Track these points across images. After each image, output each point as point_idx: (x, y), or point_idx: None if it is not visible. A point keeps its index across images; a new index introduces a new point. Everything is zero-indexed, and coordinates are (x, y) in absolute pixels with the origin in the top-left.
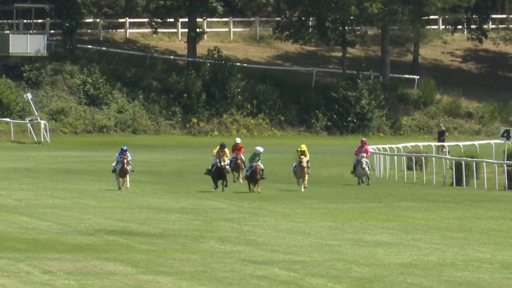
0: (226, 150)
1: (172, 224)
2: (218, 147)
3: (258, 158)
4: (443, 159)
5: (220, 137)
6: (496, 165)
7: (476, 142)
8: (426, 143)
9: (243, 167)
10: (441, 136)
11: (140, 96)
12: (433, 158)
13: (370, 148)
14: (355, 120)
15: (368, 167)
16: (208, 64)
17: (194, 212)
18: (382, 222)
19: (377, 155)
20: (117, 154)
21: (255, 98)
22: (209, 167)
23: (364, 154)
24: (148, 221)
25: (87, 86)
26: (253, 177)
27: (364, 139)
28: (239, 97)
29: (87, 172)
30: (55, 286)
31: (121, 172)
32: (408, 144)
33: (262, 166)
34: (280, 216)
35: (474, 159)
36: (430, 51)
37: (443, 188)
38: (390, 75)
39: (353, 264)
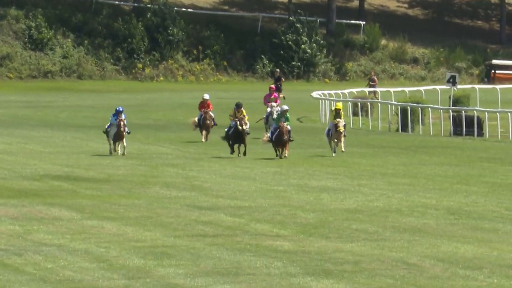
0: (243, 109)
1: (117, 169)
2: (233, 109)
3: (284, 119)
4: (389, 105)
5: (166, 82)
6: (441, 111)
7: (421, 88)
8: (371, 89)
9: (213, 124)
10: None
11: (85, 41)
12: (379, 104)
13: (316, 93)
14: (299, 65)
15: None
16: (152, 9)
17: (139, 158)
18: (328, 167)
19: (323, 101)
20: (111, 116)
21: (200, 44)
22: (226, 129)
23: (274, 104)
24: (93, 167)
25: (32, 31)
26: (279, 139)
27: (272, 85)
28: (185, 40)
29: (33, 118)
30: (0, 231)
31: (117, 136)
32: (354, 90)
33: (289, 128)
34: (225, 161)
35: (420, 105)
36: None
37: (388, 134)
38: (336, 20)
39: (298, 210)
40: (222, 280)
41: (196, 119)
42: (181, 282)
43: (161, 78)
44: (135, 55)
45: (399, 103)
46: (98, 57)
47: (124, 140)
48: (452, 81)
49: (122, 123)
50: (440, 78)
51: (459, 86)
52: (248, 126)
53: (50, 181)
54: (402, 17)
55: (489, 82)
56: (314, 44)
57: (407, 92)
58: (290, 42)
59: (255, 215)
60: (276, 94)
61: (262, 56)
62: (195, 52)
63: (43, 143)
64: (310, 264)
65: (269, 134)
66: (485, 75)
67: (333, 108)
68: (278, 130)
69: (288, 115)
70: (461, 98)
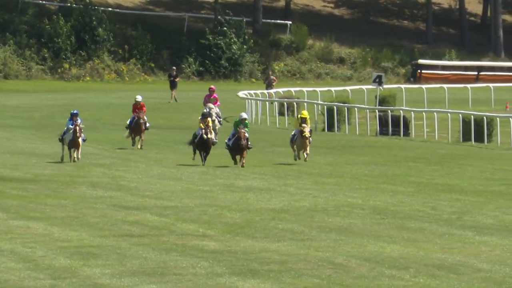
0: (209, 119)
1: (44, 169)
2: (199, 119)
3: (243, 126)
4: (315, 105)
5: (92, 82)
6: (368, 110)
7: (348, 88)
8: (298, 89)
9: (145, 128)
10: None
11: (11, 41)
12: (305, 104)
13: (242, 93)
14: (227, 65)
15: (219, 120)
16: (78, 9)
17: (65, 157)
18: (254, 167)
19: (249, 101)
20: (67, 121)
21: (127, 43)
22: (193, 135)
23: (212, 105)
24: (19, 167)
25: None
26: (237, 145)
27: (212, 86)
28: (111, 40)
29: None
30: None
31: (72, 143)
32: (280, 90)
33: (247, 135)
34: (152, 161)
35: (346, 104)
36: None
37: (315, 133)
38: (262, 20)
39: (224, 210)
40: (148, 280)
41: (128, 122)
42: (107, 282)
43: (87, 78)
44: (61, 55)
45: (326, 103)
46: (24, 57)
47: (79, 148)
48: (378, 81)
49: (77, 128)
50: (367, 78)
51: (385, 86)
52: (214, 135)
53: None
54: (328, 17)
55: (415, 82)
56: (241, 44)
57: (334, 92)
58: (216, 42)
59: (181, 215)
60: (216, 95)
61: (188, 56)
62: (121, 51)
63: None
64: (236, 264)
65: (229, 142)
66: (411, 74)
67: (298, 116)
68: (236, 136)
69: (247, 122)
70: (387, 97)
